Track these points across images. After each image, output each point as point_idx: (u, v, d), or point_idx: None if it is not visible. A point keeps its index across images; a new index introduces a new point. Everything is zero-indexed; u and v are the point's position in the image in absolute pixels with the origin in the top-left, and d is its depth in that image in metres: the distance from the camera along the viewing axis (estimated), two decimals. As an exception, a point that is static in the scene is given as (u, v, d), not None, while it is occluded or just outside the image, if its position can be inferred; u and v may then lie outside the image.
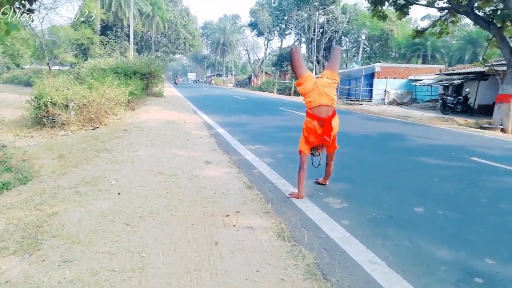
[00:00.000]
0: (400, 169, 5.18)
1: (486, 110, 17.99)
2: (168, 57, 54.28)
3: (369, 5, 16.46)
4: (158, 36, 51.86)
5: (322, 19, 38.92)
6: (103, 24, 35.08)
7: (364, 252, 2.52)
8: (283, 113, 13.82)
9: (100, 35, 32.24)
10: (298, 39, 54.30)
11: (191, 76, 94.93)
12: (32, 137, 8.35)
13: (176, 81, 53.54)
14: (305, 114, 3.73)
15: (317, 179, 4.22)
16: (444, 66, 27.88)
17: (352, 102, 22.62)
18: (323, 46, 40.39)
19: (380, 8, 15.89)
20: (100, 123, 8.94)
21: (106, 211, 3.17)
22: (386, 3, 15.68)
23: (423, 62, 37.75)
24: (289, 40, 78.73)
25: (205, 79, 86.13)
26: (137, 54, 34.58)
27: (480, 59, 35.49)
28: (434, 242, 2.75)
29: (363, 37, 40.72)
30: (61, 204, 3.31)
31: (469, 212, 3.45)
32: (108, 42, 28.79)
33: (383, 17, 16.12)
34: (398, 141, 7.86)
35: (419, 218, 3.24)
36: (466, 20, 38.74)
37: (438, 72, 22.89)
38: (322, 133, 3.57)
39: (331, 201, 3.54)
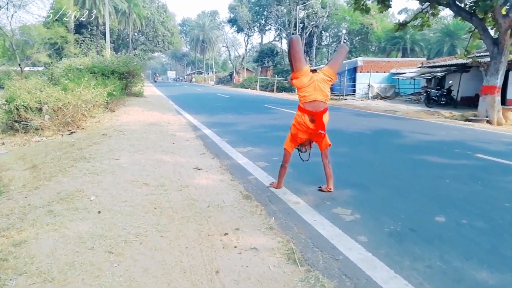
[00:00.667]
0: (406, 170, 4.87)
1: (469, 102, 18.13)
2: (146, 56, 53.01)
3: (351, -1, 16.26)
4: (136, 34, 50.56)
5: (302, 14, 38.66)
6: (77, 22, 33.78)
7: (394, 279, 2.16)
8: (270, 111, 13.44)
9: (74, 33, 31.03)
10: (278, 35, 53.97)
11: (171, 74, 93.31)
12: (3, 143, 7.69)
13: (155, 79, 52.56)
14: (297, 109, 3.59)
15: (320, 187, 3.87)
16: (424, 59, 28.08)
17: (336, 97, 22.45)
18: (304, 42, 40.15)
19: (362, 1, 15.71)
20: (77, 127, 8.33)
21: (85, 235, 2.71)
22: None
23: (403, 56, 38.05)
24: (269, 36, 78.53)
25: (185, 77, 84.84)
26: (115, 52, 33.51)
27: (458, 51, 36.14)
28: (471, 262, 2.41)
29: (344, 31, 40.69)
30: (31, 228, 2.83)
31: (497, 220, 3.13)
32: (83, 41, 27.72)
33: (366, 10, 15.91)
34: (394, 137, 7.60)
35: (444, 230, 2.89)
36: (443, 13, 39.34)
37: (420, 65, 22.99)
38: (315, 129, 3.52)
39: (340, 212, 3.18)
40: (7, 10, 16.84)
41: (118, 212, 3.15)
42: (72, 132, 7.98)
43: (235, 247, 2.63)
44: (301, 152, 3.88)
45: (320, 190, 3.80)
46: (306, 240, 2.70)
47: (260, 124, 9.40)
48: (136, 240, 2.68)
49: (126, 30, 46.74)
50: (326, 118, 3.59)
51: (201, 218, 3.12)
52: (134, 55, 37.33)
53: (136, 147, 5.99)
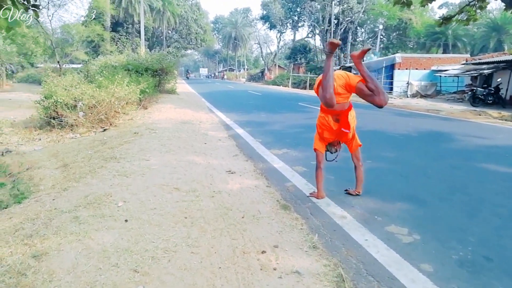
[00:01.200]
0: (469, 181, 4.22)
1: (520, 102, 16.80)
2: (179, 53, 53.72)
3: (391, -8, 15.41)
4: (169, 31, 51.32)
5: (337, 9, 37.61)
6: (114, 21, 34.64)
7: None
8: (304, 109, 12.98)
9: (110, 31, 31.81)
10: (311, 31, 52.98)
11: (203, 71, 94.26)
12: (40, 139, 7.77)
13: (188, 76, 53.49)
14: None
15: (347, 189, 3.59)
16: (468, 56, 26.46)
17: (373, 95, 21.52)
18: (339, 38, 39.08)
19: (404, -5, 14.87)
20: (110, 125, 8.30)
21: (109, 248, 2.46)
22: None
23: (444, 52, 36.16)
24: (302, 33, 77.39)
25: (217, 74, 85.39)
26: (149, 50, 34.10)
27: (506, 47, 33.81)
28: None
29: (380, 27, 39.17)
30: (55, 237, 2.62)
31: None
32: (119, 39, 28.32)
33: (408, 3, 15.00)
34: (446, 141, 6.89)
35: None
36: (489, 6, 36.95)
37: (464, 62, 21.62)
38: (338, 128, 3.35)
39: (395, 231, 2.75)
40: (47, 9, 17.35)
41: (146, 222, 2.89)
42: (105, 129, 7.95)
43: (275, 269, 2.29)
44: (331, 152, 3.65)
45: (348, 193, 3.50)
46: (357, 265, 2.31)
47: (295, 124, 8.98)
48: (164, 256, 2.40)
49: (160, 28, 47.56)
50: (352, 116, 3.38)
51: (236, 231, 2.81)
52: (168, 53, 37.82)
53: (167, 147, 5.79)
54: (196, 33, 51.58)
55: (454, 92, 21.48)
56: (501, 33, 35.22)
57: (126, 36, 36.25)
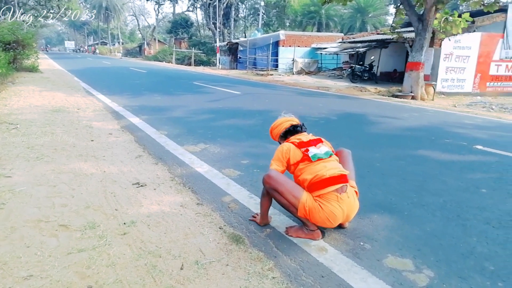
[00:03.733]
0: (427, 177, 3.68)
1: (388, 77, 18.76)
2: (38, 23, 45.50)
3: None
4: (22, -5, 42.76)
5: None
6: None
7: None
8: (203, 89, 11.84)
9: None
10: (192, 5, 50.75)
11: (69, 44, 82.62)
12: None
13: (47, 49, 47.26)
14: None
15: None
16: (342, 34, 28.58)
17: (263, 72, 21.53)
18: (222, 12, 38.16)
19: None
20: None
21: None
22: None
23: (318, 30, 38.54)
24: (182, 6, 73.76)
25: (87, 47, 75.84)
26: (-5, 17, 27.69)
27: (369, 28, 37.93)
28: None
29: (262, 3, 39.53)
30: None
31: None
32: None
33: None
34: (367, 124, 6.65)
35: None
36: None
37: (341, 40, 23.16)
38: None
39: (399, 266, 2.06)
40: None
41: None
42: None
43: None
44: None
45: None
46: None
47: (200, 108, 7.88)
48: None
49: (9, -9, 39.15)
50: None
51: (180, 300, 1.79)
52: (23, 21, 31.47)
53: (37, 150, 4.19)
54: (58, 0, 44.17)
55: (334, 69, 22.98)
56: (364, 15, 39.18)
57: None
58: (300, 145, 2.50)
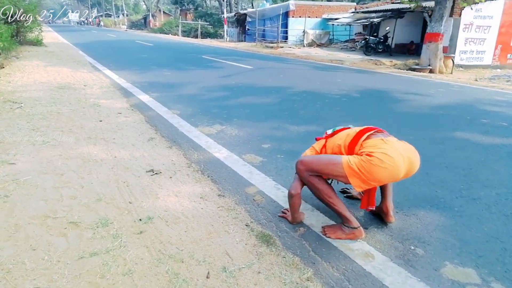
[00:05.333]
0: (470, 162, 3.35)
1: (403, 49, 17.98)
2: (41, -7, 44.51)
3: None
4: (23, -35, 41.54)
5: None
6: None
7: None
8: (213, 64, 11.36)
9: None
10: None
11: (73, 17, 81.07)
12: None
13: (49, 21, 48.12)
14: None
15: (345, 190, 2.63)
16: (355, 4, 27.39)
17: (273, 44, 20.80)
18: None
19: None
20: None
21: None
22: None
23: (329, 0, 37.06)
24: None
25: (91, 20, 74.44)
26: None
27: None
28: None
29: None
30: None
31: None
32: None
33: None
34: (393, 102, 6.17)
35: None
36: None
37: (353, 10, 22.17)
38: None
39: (460, 277, 1.71)
40: None
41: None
42: None
43: None
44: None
45: (348, 196, 2.57)
46: None
47: (213, 85, 7.48)
48: None
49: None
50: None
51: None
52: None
53: (43, 132, 3.92)
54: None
55: (346, 41, 22.12)
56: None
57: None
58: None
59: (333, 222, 2.25)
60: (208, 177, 2.96)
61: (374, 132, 2.06)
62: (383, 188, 2.25)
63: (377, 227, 2.24)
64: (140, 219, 2.29)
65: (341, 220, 2.12)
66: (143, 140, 3.87)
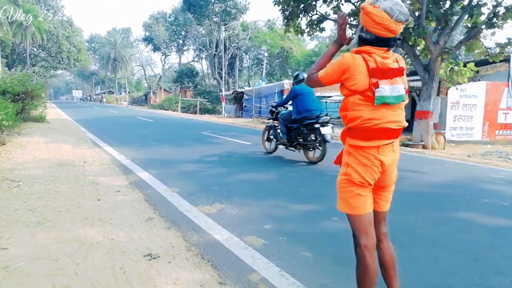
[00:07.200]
0: (479, 247, 3.23)
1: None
2: (48, 73, 47.09)
3: (283, 21, 15.64)
4: (35, 48, 44.60)
5: (223, 35, 37.87)
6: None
7: None
8: (212, 140, 11.61)
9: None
10: (197, 55, 52.62)
11: (76, 94, 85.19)
12: None
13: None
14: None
15: None
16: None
17: (268, 121, 21.54)
18: (226, 63, 39.32)
19: (297, 23, 15.28)
20: None
21: None
22: (300, 18, 15.12)
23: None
24: (188, 56, 76.90)
25: (94, 96, 77.80)
26: (7, 69, 28.61)
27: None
28: None
29: (266, 54, 40.86)
30: None
31: None
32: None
33: (301, 31, 15.44)
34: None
35: None
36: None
37: (345, 89, 23.40)
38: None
39: None
40: None
41: None
42: None
43: None
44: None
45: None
46: None
47: (212, 161, 7.58)
48: None
49: (23, 45, 40.90)
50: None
51: None
52: (34, 72, 32.48)
53: (40, 213, 3.83)
54: (69, 52, 46.09)
55: (339, 117, 23.00)
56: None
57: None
58: (373, 72, 1.81)
59: None
60: (208, 261, 2.84)
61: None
62: (386, 274, 2.09)
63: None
64: (136, 313, 2.14)
65: None
66: (141, 220, 3.78)
